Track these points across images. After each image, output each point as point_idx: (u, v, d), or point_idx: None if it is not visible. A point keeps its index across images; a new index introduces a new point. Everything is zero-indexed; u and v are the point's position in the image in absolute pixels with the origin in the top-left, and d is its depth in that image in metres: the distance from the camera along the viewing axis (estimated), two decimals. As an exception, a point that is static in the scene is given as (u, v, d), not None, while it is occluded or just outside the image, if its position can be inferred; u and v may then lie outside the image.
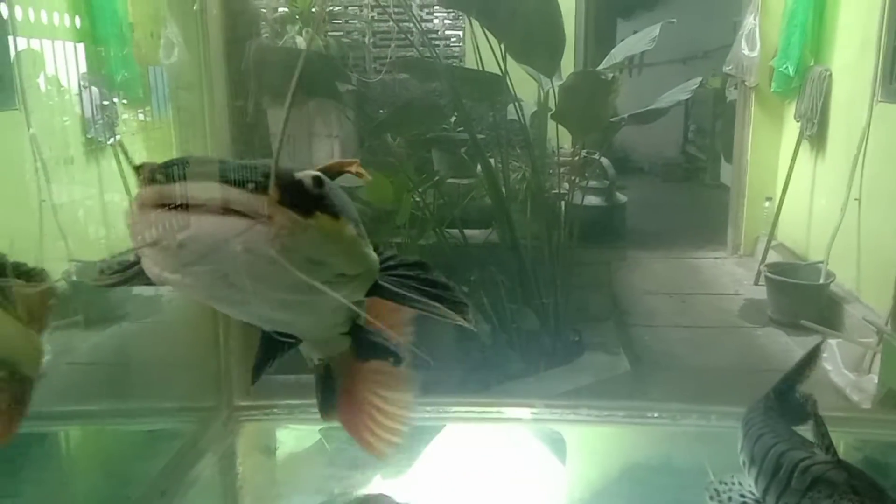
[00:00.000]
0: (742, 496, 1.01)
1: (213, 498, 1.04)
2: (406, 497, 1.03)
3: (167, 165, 0.66)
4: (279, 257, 0.65)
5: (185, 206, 0.63)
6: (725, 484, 1.03)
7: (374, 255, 0.82)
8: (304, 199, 0.69)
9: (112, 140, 3.74)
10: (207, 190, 0.63)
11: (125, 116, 3.85)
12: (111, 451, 1.02)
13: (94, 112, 3.67)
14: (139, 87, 3.79)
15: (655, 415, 1.23)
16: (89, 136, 3.68)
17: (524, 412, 1.44)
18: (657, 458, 1.23)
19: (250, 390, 1.12)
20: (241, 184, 0.64)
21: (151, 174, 0.66)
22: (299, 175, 0.71)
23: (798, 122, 4.77)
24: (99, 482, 1.01)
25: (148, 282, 0.76)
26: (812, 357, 1.22)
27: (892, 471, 1.18)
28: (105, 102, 3.68)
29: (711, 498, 1.03)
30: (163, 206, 0.64)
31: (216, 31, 1.25)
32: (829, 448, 0.91)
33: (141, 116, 3.98)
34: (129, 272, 0.83)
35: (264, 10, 4.53)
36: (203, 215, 0.64)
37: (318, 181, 0.71)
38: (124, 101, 3.82)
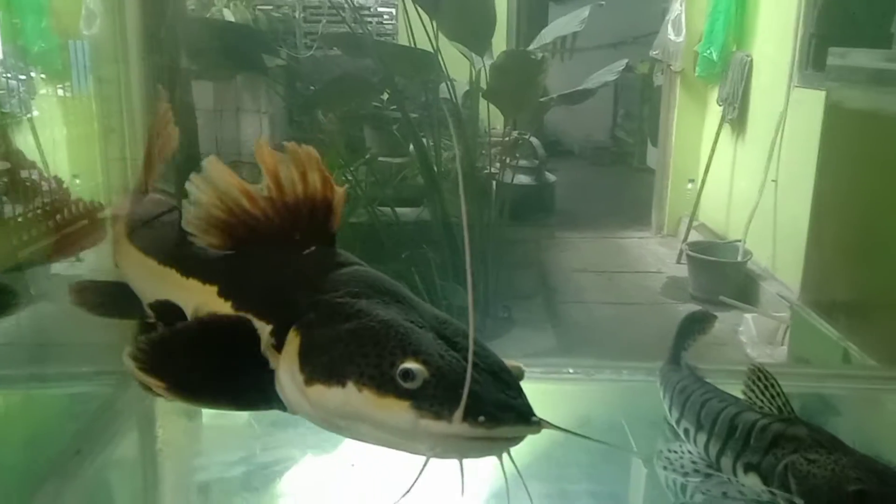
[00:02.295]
0: (693, 462, 1.03)
1: (132, 457, 1.04)
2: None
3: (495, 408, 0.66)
4: None
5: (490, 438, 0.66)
6: (675, 452, 1.05)
7: None
8: None
9: (29, 115, 3.61)
10: (518, 432, 0.67)
11: (43, 91, 3.71)
12: (27, 413, 1.00)
13: (10, 86, 3.53)
14: (58, 60, 3.65)
15: (570, 371, 1.27)
16: (4, 111, 3.53)
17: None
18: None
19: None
20: (530, 417, 0.68)
21: (486, 415, 0.66)
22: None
23: (720, 106, 4.93)
24: (11, 443, 0.99)
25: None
26: (696, 322, 1.28)
27: (816, 418, 1.24)
28: (22, 76, 3.54)
29: (665, 468, 1.04)
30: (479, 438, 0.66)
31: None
32: (786, 405, 0.94)
33: (60, 91, 3.83)
34: None
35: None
36: (495, 442, 0.67)
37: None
38: (42, 76, 3.68)
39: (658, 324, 3.89)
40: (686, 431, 1.08)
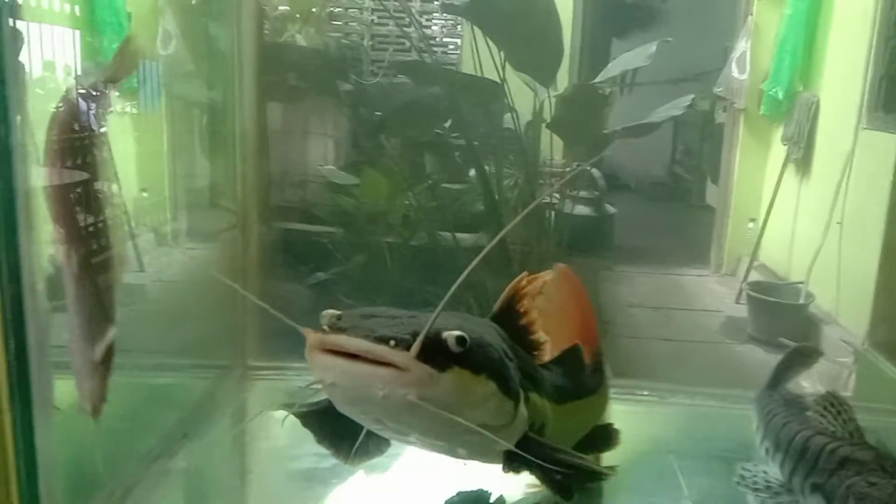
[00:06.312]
0: (767, 480, 1.06)
1: (224, 448, 1.08)
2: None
3: (339, 317, 0.79)
4: (415, 404, 0.76)
5: (342, 353, 0.76)
6: (749, 470, 1.08)
7: (520, 411, 0.91)
8: (445, 355, 0.80)
9: (104, 128, 3.77)
10: (357, 343, 0.75)
11: (117, 108, 3.87)
12: (130, 400, 1.06)
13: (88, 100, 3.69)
14: (134, 78, 3.81)
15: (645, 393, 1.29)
16: (83, 125, 3.69)
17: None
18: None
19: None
20: (387, 340, 0.76)
21: (328, 322, 0.78)
22: (445, 334, 0.80)
23: (785, 145, 4.87)
24: (118, 427, 1.04)
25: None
26: (796, 358, 1.29)
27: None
28: (97, 92, 3.70)
29: (738, 483, 1.08)
30: (326, 350, 0.77)
31: (249, 25, 1.31)
32: (857, 431, 0.96)
33: (132, 108, 3.99)
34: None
35: (266, 8, 4.57)
36: (352, 362, 0.76)
37: (461, 340, 0.81)
38: (116, 93, 3.83)
39: (714, 363, 3.83)
40: (767, 450, 1.11)
